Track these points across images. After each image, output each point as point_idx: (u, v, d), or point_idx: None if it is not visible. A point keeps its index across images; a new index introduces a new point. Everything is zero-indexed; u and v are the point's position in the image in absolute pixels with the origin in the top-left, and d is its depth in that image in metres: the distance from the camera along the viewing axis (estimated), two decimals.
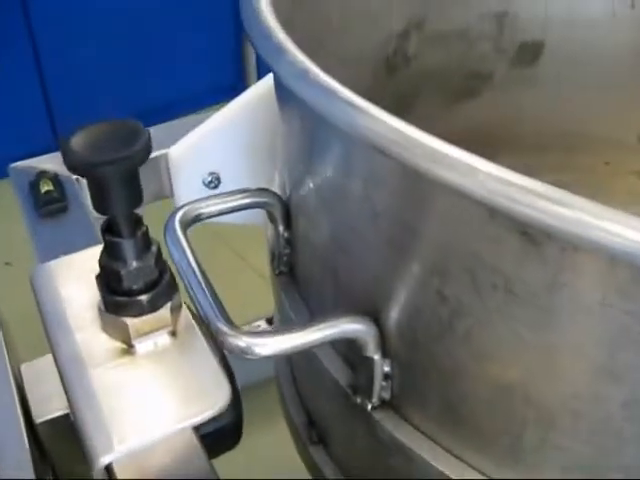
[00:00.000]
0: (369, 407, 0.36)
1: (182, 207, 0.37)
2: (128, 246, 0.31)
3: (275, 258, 0.44)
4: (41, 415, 0.44)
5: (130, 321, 0.32)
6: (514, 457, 0.32)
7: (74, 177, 0.60)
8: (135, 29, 1.79)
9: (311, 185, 0.37)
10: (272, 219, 0.42)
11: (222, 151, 0.57)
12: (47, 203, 0.58)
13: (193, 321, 0.34)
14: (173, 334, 0.33)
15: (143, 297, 0.32)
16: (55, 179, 0.59)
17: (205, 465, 0.30)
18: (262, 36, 0.34)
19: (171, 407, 0.30)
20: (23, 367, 0.46)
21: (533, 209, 0.23)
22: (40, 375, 0.45)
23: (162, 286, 0.32)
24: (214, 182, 0.58)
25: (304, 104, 0.30)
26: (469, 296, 0.29)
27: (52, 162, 0.61)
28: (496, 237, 0.26)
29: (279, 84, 0.39)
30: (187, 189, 0.58)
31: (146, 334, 0.33)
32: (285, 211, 0.41)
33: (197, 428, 0.31)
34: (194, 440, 0.30)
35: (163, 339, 0.33)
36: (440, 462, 0.34)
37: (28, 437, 0.39)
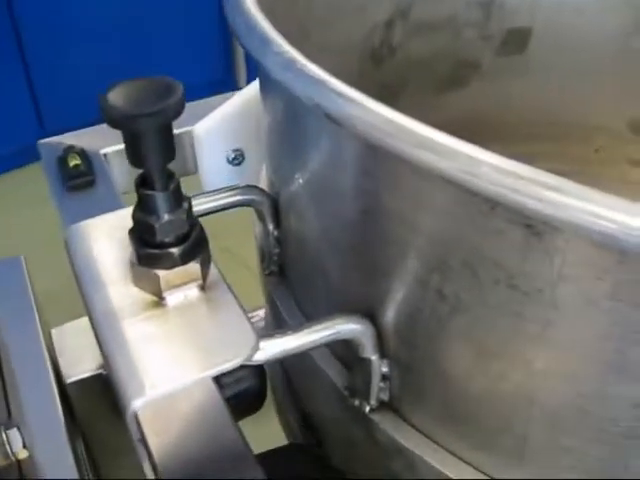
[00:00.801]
0: (367, 409, 0.35)
1: None
2: (161, 199, 0.32)
3: (265, 258, 0.42)
4: (71, 376, 0.47)
5: (162, 273, 0.33)
6: (519, 457, 0.31)
7: (101, 152, 0.62)
8: (123, 26, 1.78)
9: (300, 181, 0.36)
10: (261, 217, 0.41)
11: (246, 128, 0.58)
12: (75, 177, 0.59)
13: (221, 277, 0.35)
14: (202, 288, 0.34)
15: (174, 250, 0.33)
16: (82, 154, 0.61)
17: (227, 417, 0.31)
18: (246, 27, 0.32)
19: (199, 356, 0.32)
20: (53, 331, 0.50)
21: (537, 200, 0.22)
22: (69, 339, 0.49)
23: (193, 240, 0.34)
24: (238, 159, 0.59)
25: (291, 95, 0.29)
26: (470, 292, 0.28)
27: (80, 138, 0.64)
28: (498, 230, 0.25)
29: (264, 76, 0.37)
30: (211, 165, 0.59)
31: (176, 287, 0.34)
32: (274, 209, 0.40)
33: (222, 387, 0.32)
34: (218, 395, 0.32)
35: (192, 292, 0.34)
36: (442, 463, 0.33)
37: (60, 398, 0.42)
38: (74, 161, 0.60)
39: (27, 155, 1.70)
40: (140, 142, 0.30)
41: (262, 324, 0.62)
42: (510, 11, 0.62)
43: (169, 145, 0.31)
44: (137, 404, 0.30)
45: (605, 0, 0.62)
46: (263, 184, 0.44)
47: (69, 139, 0.64)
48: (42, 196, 1.15)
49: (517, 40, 0.63)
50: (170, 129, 0.30)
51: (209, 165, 0.60)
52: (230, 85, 1.96)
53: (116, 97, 0.29)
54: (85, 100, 1.65)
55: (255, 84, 0.58)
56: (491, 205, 0.25)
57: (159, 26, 1.82)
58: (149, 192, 0.32)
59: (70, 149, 0.62)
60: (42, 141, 0.65)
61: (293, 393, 0.46)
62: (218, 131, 0.59)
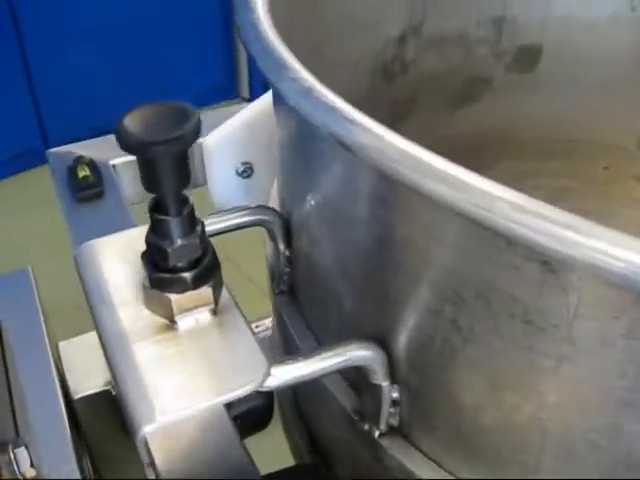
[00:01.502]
0: (376, 434, 0.35)
1: None
2: (175, 224, 0.32)
3: (275, 277, 0.42)
4: (78, 391, 0.47)
5: (174, 297, 0.33)
6: None
7: (110, 163, 0.62)
8: (125, 33, 1.78)
9: (312, 203, 0.36)
10: (272, 237, 0.41)
11: (256, 142, 0.58)
12: (84, 188, 0.59)
13: (233, 301, 0.35)
14: (214, 312, 0.34)
15: (187, 274, 0.33)
16: (92, 164, 0.61)
17: (235, 439, 0.32)
18: (262, 51, 0.32)
19: (211, 382, 0.32)
20: (61, 344, 0.49)
21: (551, 237, 0.22)
22: (77, 353, 0.49)
23: (205, 264, 0.34)
24: (247, 172, 0.59)
25: (307, 122, 0.29)
26: (484, 325, 0.28)
27: (89, 148, 0.64)
28: (514, 265, 0.25)
29: (279, 99, 0.37)
30: (221, 177, 0.59)
31: (188, 311, 0.34)
32: (285, 229, 0.40)
33: (230, 405, 0.33)
34: (226, 416, 0.33)
35: (204, 317, 0.34)
36: None
37: (67, 413, 0.42)
38: (83, 172, 0.60)
39: (27, 159, 1.70)
40: (155, 168, 0.30)
41: (268, 333, 0.62)
42: (521, 28, 0.62)
43: (184, 171, 0.31)
44: (147, 429, 0.30)
45: (616, 17, 0.62)
46: (274, 201, 0.44)
47: (78, 149, 0.64)
48: (42, 200, 1.15)
49: (528, 57, 0.63)
50: (186, 156, 0.30)
51: (218, 177, 0.60)
52: (232, 92, 1.96)
53: (132, 123, 0.29)
54: (86, 104, 1.66)
55: (266, 97, 0.58)
56: (507, 240, 0.25)
57: (162, 33, 1.83)
58: (163, 217, 0.32)
59: (79, 159, 0.62)
60: (51, 150, 0.65)
61: (301, 414, 0.46)
62: (228, 143, 0.59)
